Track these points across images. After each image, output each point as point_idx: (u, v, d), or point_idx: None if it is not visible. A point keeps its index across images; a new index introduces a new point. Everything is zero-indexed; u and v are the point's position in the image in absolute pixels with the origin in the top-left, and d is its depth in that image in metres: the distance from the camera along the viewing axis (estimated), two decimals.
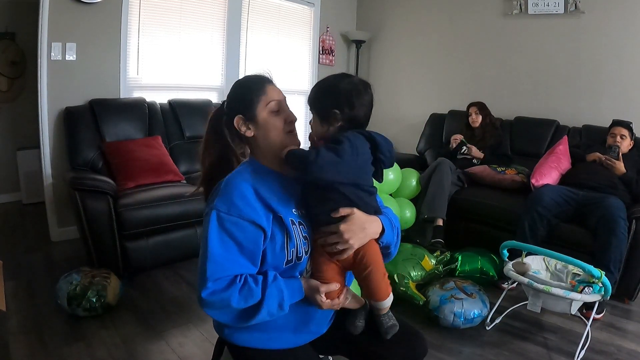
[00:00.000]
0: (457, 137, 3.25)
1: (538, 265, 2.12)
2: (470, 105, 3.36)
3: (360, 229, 1.01)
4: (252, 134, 1.07)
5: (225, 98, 1.15)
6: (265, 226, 0.99)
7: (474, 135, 3.30)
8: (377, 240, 1.07)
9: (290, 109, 1.13)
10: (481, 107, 3.33)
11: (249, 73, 1.22)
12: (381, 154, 1.03)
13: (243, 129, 1.07)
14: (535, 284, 1.81)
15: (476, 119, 3.29)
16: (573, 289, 1.81)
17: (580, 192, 2.50)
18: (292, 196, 1.07)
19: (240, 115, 1.07)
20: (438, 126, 3.83)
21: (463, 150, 3.24)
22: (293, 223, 1.03)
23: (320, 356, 1.24)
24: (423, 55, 4.28)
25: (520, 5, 3.55)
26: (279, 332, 1.11)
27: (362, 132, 1.02)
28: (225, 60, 3.74)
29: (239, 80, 1.15)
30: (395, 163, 2.72)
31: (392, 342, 1.13)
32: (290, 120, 1.10)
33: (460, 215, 2.87)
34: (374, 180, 1.07)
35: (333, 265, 1.06)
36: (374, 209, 1.07)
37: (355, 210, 1.02)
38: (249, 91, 1.09)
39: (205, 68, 3.67)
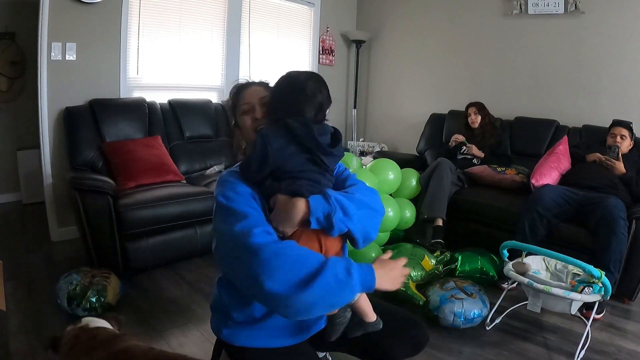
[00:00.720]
0: (459, 137, 3.25)
1: (538, 265, 2.12)
2: (469, 105, 3.36)
3: (283, 212, 1.01)
4: (241, 137, 1.20)
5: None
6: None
7: (473, 136, 3.30)
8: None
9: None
10: (480, 107, 3.32)
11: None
12: (304, 143, 1.05)
13: (237, 132, 1.21)
14: (535, 284, 1.81)
15: (475, 119, 3.29)
16: (573, 289, 1.81)
17: (580, 192, 2.50)
18: None
19: (233, 122, 1.22)
20: (438, 126, 3.83)
21: (463, 150, 3.24)
22: None
23: (320, 355, 1.25)
24: (423, 55, 4.28)
25: (520, 5, 3.55)
26: (278, 330, 1.11)
27: (286, 123, 1.06)
28: (225, 60, 3.74)
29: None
30: (394, 163, 2.73)
31: (392, 333, 1.13)
32: (255, 117, 1.16)
33: (460, 215, 2.87)
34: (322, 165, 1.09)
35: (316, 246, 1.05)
36: (321, 188, 1.06)
37: (278, 195, 1.04)
38: (233, 98, 1.23)
39: (205, 68, 3.67)
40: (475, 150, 3.17)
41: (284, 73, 1.17)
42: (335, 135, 1.12)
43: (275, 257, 0.91)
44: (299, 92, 1.09)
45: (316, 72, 1.20)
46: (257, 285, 0.90)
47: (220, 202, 1.02)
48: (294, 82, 1.12)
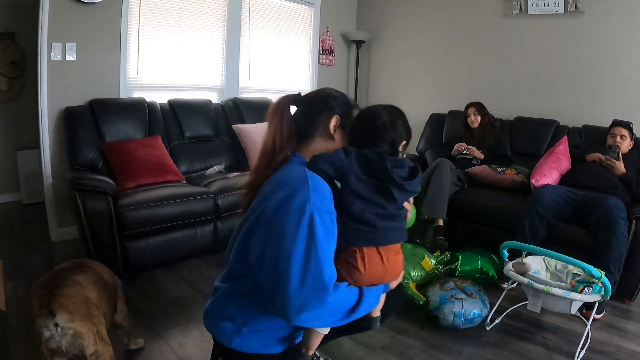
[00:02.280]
0: (462, 146, 3.24)
1: (538, 265, 2.12)
2: (469, 105, 3.36)
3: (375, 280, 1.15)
4: (335, 137, 1.16)
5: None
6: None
7: (473, 136, 3.30)
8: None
9: None
10: (479, 107, 3.32)
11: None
12: (377, 172, 1.12)
13: (335, 129, 1.16)
14: (535, 284, 1.81)
15: (475, 119, 3.29)
16: (573, 289, 1.81)
17: (580, 192, 2.50)
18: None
19: (338, 117, 1.16)
20: (438, 126, 3.83)
21: (463, 151, 3.24)
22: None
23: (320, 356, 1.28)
24: (423, 55, 4.28)
25: (520, 5, 3.55)
26: (283, 334, 1.16)
27: (362, 151, 1.14)
28: (225, 60, 3.74)
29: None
30: None
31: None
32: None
33: (460, 215, 2.87)
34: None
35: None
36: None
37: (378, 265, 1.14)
38: (343, 109, 1.19)
39: (205, 68, 3.67)
40: (476, 152, 3.17)
41: (367, 106, 1.25)
42: (413, 171, 1.16)
43: (323, 305, 0.98)
44: (372, 127, 1.18)
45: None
46: (285, 308, 0.97)
47: (314, 218, 0.98)
48: (368, 116, 1.21)
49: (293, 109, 1.21)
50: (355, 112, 1.22)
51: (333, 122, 1.16)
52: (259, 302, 1.09)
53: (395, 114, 1.21)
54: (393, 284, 1.19)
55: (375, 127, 1.17)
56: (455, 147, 3.28)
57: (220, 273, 1.27)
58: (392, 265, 1.15)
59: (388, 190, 1.10)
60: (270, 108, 1.19)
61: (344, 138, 1.18)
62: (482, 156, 3.18)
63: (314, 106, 1.18)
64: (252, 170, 1.20)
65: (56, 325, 1.20)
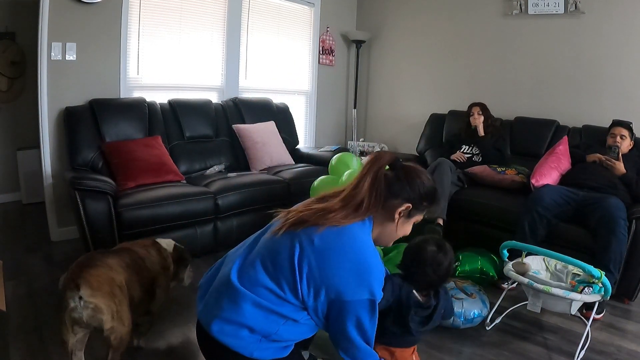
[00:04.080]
0: (462, 157, 3.25)
1: (538, 265, 2.12)
2: (473, 105, 3.35)
3: None
4: (395, 221, 1.19)
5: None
6: None
7: (474, 135, 3.29)
8: None
9: None
10: (483, 108, 3.32)
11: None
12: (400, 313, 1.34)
13: (400, 215, 1.19)
14: (535, 284, 1.81)
15: (478, 119, 3.28)
16: (573, 289, 1.81)
17: (580, 193, 2.50)
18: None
19: (410, 206, 1.18)
20: (438, 126, 3.83)
21: (463, 149, 3.25)
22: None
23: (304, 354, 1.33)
24: (423, 55, 4.28)
25: (520, 5, 3.55)
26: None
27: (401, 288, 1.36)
28: (225, 60, 3.73)
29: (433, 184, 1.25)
30: None
31: None
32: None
33: (460, 215, 2.87)
34: None
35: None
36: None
37: None
38: (426, 202, 1.22)
39: (205, 68, 3.67)
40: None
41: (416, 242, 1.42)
42: (435, 308, 1.34)
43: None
44: (417, 267, 1.35)
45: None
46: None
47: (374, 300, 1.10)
48: (413, 253, 1.39)
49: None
50: (425, 212, 1.25)
51: (403, 207, 1.17)
52: (292, 325, 1.13)
53: (436, 262, 1.34)
54: None
55: (417, 269, 1.35)
56: (456, 156, 3.27)
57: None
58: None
59: (406, 329, 1.33)
60: (370, 157, 1.19)
61: (402, 227, 1.22)
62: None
63: (401, 182, 1.18)
64: (327, 208, 1.15)
65: (80, 298, 1.36)
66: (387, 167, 1.19)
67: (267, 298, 1.10)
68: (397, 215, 1.18)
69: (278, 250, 1.12)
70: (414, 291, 1.33)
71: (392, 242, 1.26)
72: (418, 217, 1.23)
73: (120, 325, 1.41)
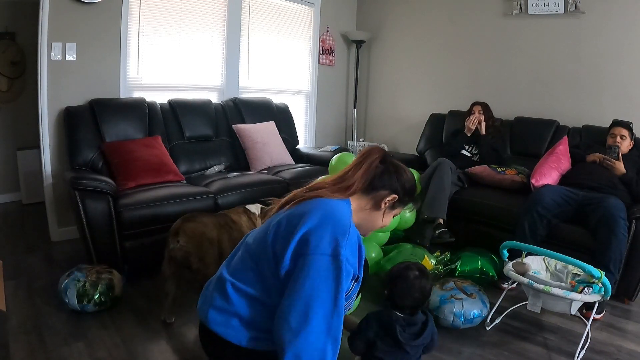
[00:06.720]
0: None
1: (538, 265, 2.12)
2: (475, 103, 3.34)
3: None
4: (381, 211, 1.26)
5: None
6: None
7: (475, 135, 3.28)
8: None
9: None
10: (485, 108, 3.32)
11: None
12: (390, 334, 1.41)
13: (386, 205, 1.25)
14: (535, 284, 1.81)
15: (479, 118, 3.26)
16: (573, 289, 1.81)
17: (580, 193, 2.50)
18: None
19: (396, 197, 1.25)
20: (438, 126, 3.83)
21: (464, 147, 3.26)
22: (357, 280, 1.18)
23: None
24: (423, 55, 4.28)
25: (520, 5, 3.55)
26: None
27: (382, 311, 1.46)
28: (225, 60, 3.74)
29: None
30: None
31: None
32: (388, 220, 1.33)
33: (460, 215, 2.87)
34: None
35: None
36: None
37: None
38: (413, 195, 1.32)
39: (205, 68, 3.67)
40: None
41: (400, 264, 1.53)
42: (424, 324, 1.42)
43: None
44: (399, 288, 1.44)
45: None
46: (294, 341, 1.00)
47: (340, 263, 1.05)
48: (396, 275, 1.48)
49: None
50: (408, 206, 1.33)
51: (389, 198, 1.25)
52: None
53: (417, 285, 1.43)
54: None
55: (399, 291, 1.43)
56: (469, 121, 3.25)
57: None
58: None
59: (400, 346, 1.37)
60: (364, 150, 1.29)
61: (385, 216, 1.28)
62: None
63: (390, 174, 1.25)
64: (316, 184, 1.25)
65: (177, 241, 1.89)
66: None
67: (252, 284, 1.14)
68: (383, 205, 1.25)
69: (260, 231, 1.21)
70: (394, 311, 1.42)
71: (370, 232, 1.32)
72: (397, 211, 1.32)
73: (203, 268, 1.88)
